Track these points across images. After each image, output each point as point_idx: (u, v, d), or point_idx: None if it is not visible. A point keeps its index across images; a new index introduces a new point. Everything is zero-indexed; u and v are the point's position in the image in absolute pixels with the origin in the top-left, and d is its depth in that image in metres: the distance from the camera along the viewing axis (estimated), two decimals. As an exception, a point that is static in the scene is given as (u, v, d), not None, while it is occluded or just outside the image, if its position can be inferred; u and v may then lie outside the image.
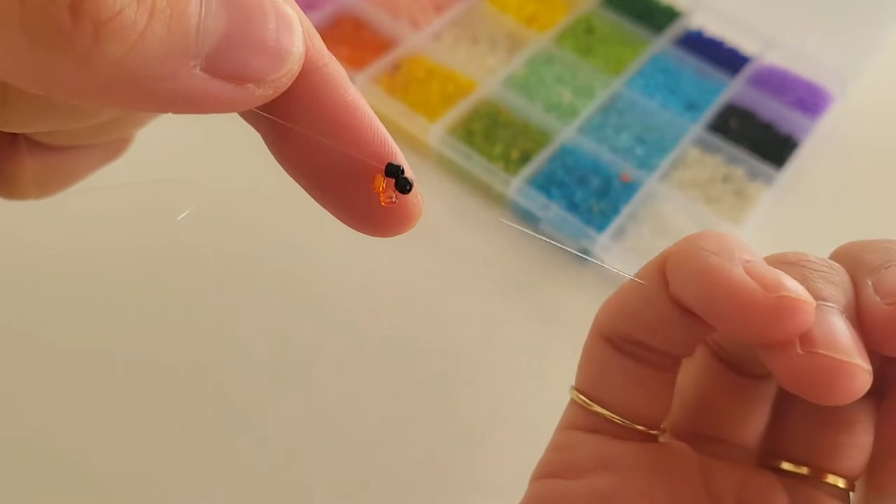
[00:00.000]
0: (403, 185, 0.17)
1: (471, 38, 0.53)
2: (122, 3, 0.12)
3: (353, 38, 0.51)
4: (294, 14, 0.15)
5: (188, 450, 0.35)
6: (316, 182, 0.17)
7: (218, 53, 0.14)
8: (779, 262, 0.20)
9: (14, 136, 0.20)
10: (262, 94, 0.15)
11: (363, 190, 0.17)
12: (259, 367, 0.37)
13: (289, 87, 0.16)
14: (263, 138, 0.18)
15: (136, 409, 0.35)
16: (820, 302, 0.19)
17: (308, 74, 0.16)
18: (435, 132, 0.46)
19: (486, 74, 0.50)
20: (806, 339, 0.18)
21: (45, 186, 0.21)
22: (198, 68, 0.14)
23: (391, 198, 0.17)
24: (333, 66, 0.17)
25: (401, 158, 0.17)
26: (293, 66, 0.15)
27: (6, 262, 0.39)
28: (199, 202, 0.39)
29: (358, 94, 0.17)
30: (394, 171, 0.17)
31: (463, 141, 0.46)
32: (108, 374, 0.36)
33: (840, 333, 0.18)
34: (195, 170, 0.42)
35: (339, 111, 0.17)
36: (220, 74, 0.14)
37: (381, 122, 0.17)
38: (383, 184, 0.17)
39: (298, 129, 0.17)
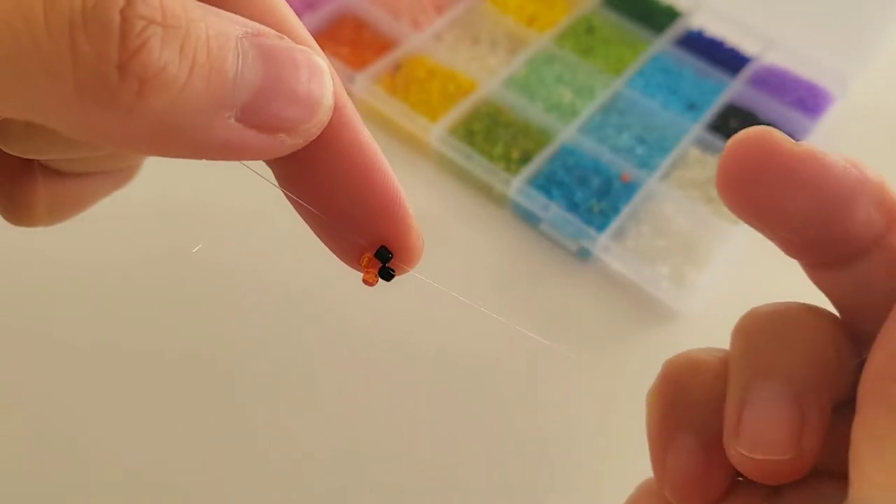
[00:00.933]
0: (386, 275, 0.17)
1: (471, 38, 0.53)
2: (166, 59, 0.13)
3: (354, 37, 0.51)
4: (325, 64, 0.16)
5: (198, 451, 0.35)
6: (319, 223, 0.18)
7: (252, 105, 0.14)
8: None
9: (29, 165, 0.20)
10: (293, 143, 0.15)
11: (363, 237, 0.17)
12: (265, 371, 0.38)
13: None
14: (274, 174, 0.18)
15: (151, 412, 0.36)
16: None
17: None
18: (436, 132, 0.46)
19: (487, 74, 0.50)
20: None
21: (56, 213, 0.21)
22: (232, 118, 0.14)
23: (371, 282, 0.17)
24: (350, 106, 0.17)
25: (405, 204, 0.17)
26: (323, 117, 0.16)
27: (25, 273, 0.39)
28: (208, 220, 0.39)
29: (370, 135, 0.18)
30: (383, 257, 0.17)
31: (463, 141, 0.46)
32: (123, 377, 0.36)
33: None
34: (204, 189, 0.42)
35: (353, 150, 0.17)
36: (254, 125, 0.14)
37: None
38: (367, 263, 0.17)
39: (308, 206, 0.17)
